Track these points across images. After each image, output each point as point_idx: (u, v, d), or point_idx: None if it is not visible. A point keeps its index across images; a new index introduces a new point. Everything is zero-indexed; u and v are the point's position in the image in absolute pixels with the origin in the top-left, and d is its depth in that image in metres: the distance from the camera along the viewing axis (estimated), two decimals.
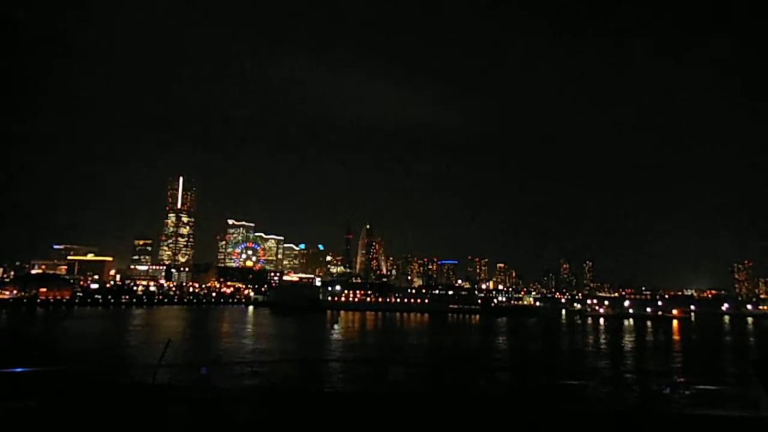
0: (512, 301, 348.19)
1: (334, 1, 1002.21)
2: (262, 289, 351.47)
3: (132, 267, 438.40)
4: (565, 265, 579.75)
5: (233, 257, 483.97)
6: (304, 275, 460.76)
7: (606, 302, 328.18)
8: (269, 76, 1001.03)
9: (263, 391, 27.52)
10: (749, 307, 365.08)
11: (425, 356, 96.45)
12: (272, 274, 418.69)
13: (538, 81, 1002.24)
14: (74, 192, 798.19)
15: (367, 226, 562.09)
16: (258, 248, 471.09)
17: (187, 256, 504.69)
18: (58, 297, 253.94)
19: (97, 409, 18.84)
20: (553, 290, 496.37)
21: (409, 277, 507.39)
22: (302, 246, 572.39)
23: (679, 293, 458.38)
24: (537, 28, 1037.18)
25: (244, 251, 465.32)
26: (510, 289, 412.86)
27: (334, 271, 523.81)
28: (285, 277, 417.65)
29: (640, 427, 18.65)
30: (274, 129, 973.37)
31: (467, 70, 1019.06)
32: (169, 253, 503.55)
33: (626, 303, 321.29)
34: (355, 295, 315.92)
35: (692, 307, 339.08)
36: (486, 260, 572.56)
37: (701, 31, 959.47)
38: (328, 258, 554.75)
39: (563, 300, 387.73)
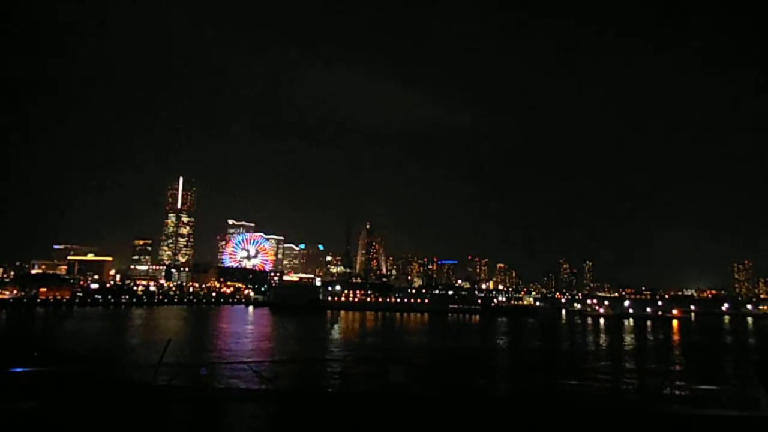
0: (512, 301, 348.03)
1: (336, 1, 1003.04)
2: (262, 289, 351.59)
3: (132, 267, 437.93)
4: (565, 265, 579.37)
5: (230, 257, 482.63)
6: (304, 275, 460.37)
7: (606, 302, 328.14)
8: (270, 76, 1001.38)
9: (263, 391, 27.51)
10: (749, 307, 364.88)
11: (425, 356, 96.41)
12: (272, 274, 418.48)
13: (537, 81, 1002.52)
14: (74, 192, 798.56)
15: (367, 226, 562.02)
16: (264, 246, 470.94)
17: (187, 256, 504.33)
18: (58, 297, 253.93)
19: (97, 408, 18.83)
20: (553, 290, 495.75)
21: (409, 277, 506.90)
22: (302, 246, 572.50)
23: (679, 293, 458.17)
24: (535, 30, 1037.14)
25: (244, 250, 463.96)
26: (510, 289, 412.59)
27: (334, 271, 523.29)
28: (285, 277, 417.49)
29: (640, 427, 18.66)
30: (275, 129, 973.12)
31: (468, 72, 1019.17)
32: (169, 253, 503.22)
33: (626, 303, 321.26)
34: (355, 295, 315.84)
35: (692, 307, 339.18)
36: (486, 260, 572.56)
37: (700, 30, 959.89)
38: (328, 258, 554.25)
39: (563, 300, 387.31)
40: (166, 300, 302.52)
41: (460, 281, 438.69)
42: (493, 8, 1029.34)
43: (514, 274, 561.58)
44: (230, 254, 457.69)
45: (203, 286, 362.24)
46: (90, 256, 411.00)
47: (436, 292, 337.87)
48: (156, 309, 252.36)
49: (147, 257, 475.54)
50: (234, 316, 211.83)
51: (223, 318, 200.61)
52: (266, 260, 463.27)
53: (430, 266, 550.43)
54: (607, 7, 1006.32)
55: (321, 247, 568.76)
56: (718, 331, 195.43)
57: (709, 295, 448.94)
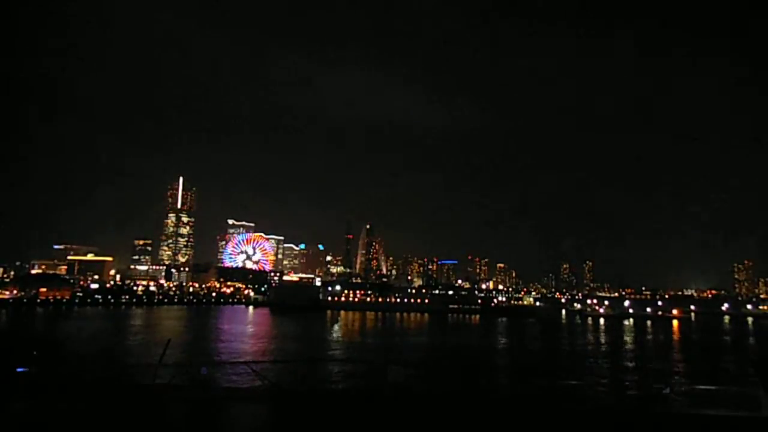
0: (512, 301, 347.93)
1: (336, 2, 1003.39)
2: (262, 289, 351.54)
3: (132, 267, 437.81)
4: (565, 265, 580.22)
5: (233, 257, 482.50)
6: (304, 275, 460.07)
7: (606, 302, 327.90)
8: (269, 76, 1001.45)
9: (263, 391, 27.51)
10: (749, 307, 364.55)
11: (425, 356, 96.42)
12: (272, 274, 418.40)
13: (536, 80, 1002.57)
14: (74, 192, 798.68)
15: (367, 226, 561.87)
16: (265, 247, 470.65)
17: (187, 256, 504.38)
18: (58, 297, 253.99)
19: (97, 409, 18.83)
20: (553, 290, 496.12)
21: (409, 277, 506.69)
22: (302, 246, 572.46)
23: (679, 293, 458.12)
24: (533, 28, 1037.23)
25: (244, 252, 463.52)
26: (510, 289, 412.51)
27: (334, 271, 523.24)
28: (285, 277, 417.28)
29: (640, 427, 18.63)
30: (275, 129, 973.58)
31: (466, 70, 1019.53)
32: (169, 253, 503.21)
33: (626, 303, 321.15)
34: (355, 295, 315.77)
35: (692, 307, 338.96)
36: (486, 260, 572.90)
37: (698, 30, 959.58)
38: (328, 258, 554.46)
39: (563, 300, 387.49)
40: (166, 300, 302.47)
41: (460, 281, 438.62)
42: (495, 10, 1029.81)
43: (514, 274, 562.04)
44: (230, 254, 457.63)
45: (203, 286, 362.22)
46: (90, 256, 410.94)
47: (436, 292, 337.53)
48: (156, 309, 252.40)
49: (147, 257, 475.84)
50: (234, 316, 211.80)
51: (223, 318, 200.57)
52: (266, 260, 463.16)
53: (430, 266, 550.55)
54: (608, 8, 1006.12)
55: (321, 247, 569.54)
56: (718, 331, 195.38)
57: (709, 295, 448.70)
